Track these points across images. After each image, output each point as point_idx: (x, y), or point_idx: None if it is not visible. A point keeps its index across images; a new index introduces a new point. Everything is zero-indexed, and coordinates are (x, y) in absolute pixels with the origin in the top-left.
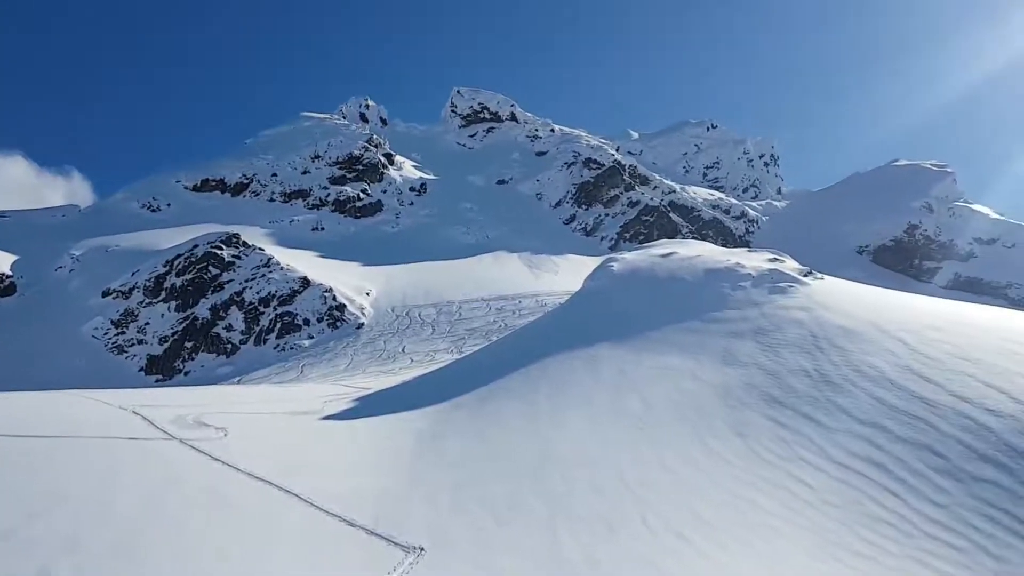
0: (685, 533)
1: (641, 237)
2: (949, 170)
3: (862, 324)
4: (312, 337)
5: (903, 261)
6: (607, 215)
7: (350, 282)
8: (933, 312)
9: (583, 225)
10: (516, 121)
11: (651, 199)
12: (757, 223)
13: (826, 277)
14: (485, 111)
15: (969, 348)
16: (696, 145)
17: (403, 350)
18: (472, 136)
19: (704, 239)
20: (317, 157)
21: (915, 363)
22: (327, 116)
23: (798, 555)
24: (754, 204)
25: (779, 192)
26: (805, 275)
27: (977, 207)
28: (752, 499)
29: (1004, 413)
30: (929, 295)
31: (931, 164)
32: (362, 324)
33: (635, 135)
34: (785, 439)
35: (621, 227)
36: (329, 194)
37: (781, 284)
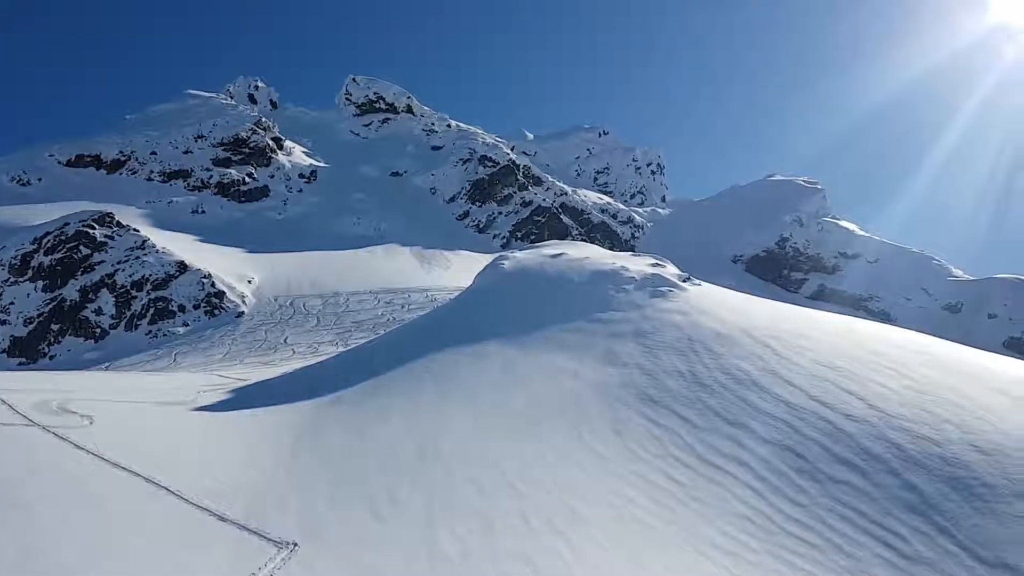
0: (562, 529)
1: (533, 237)
2: (820, 187)
3: (734, 330)
4: (187, 324)
5: (774, 271)
6: (500, 213)
7: (231, 268)
8: (798, 320)
9: (476, 222)
10: (412, 114)
11: (544, 200)
12: (642, 228)
13: (703, 283)
14: (381, 101)
15: (830, 355)
16: (588, 150)
17: (285, 341)
18: (367, 126)
19: (592, 241)
20: (201, 137)
21: (781, 368)
22: (213, 95)
23: (667, 550)
24: (640, 210)
25: (663, 200)
26: (684, 281)
27: (844, 223)
28: (627, 495)
29: (860, 418)
30: (796, 304)
31: (803, 180)
32: (242, 313)
33: (530, 136)
34: (659, 437)
35: (513, 226)
36: (212, 176)
37: (662, 288)
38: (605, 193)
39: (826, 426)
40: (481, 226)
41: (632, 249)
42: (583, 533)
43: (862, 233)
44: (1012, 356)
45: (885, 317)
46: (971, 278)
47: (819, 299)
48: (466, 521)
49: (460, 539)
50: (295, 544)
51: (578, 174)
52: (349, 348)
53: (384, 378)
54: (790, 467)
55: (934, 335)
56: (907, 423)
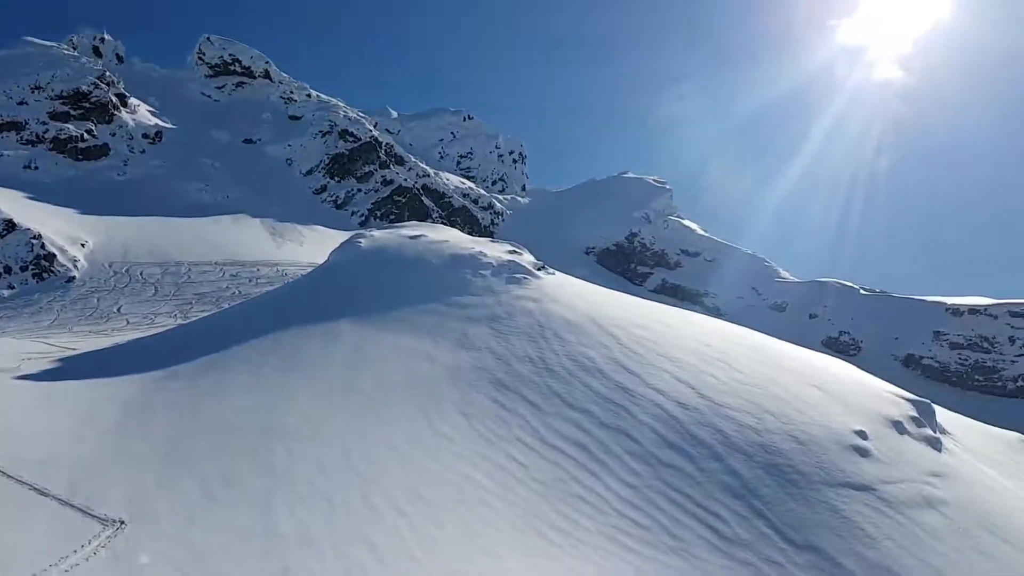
0: (404, 509)
1: (392, 216)
2: (668, 187)
3: (582, 318)
4: (13, 287)
5: (622, 264)
6: (360, 190)
7: (63, 230)
8: (641, 312)
9: (334, 198)
10: (270, 80)
11: (405, 180)
12: (502, 216)
13: (557, 273)
14: (237, 64)
15: (668, 346)
16: (452, 133)
17: (119, 310)
18: (220, 88)
19: (452, 225)
20: (38, 88)
21: (622, 356)
22: (54, 45)
23: (505, 529)
24: (500, 197)
25: (524, 189)
26: (539, 269)
27: (687, 222)
28: (470, 476)
29: (691, 406)
30: (640, 297)
31: (654, 179)
32: (73, 277)
33: (394, 114)
34: (505, 420)
35: (373, 204)
36: (48, 130)
37: (517, 275)
38: (467, 178)
39: (660, 412)
40: (339, 202)
41: (491, 235)
42: (424, 513)
43: (702, 232)
44: (829, 354)
45: (717, 313)
46: (797, 280)
47: (661, 292)
48: (307, 501)
49: (299, 521)
50: (122, 522)
51: (441, 157)
52: (189, 321)
53: (226, 353)
54: (625, 450)
55: (761, 332)
56: (732, 412)
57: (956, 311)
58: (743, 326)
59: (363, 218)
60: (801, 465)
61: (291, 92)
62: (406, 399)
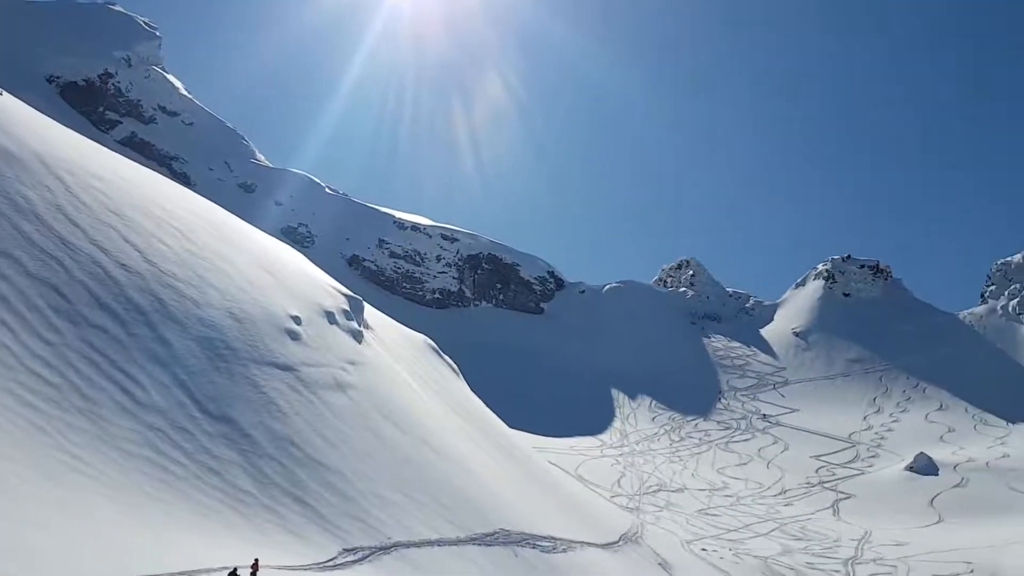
0: None
1: None
2: (158, 33)
3: (28, 154)
4: None
5: (89, 105)
6: None
7: None
8: (100, 162)
9: None
10: None
11: None
12: None
13: (5, 94)
14: None
15: (122, 203)
16: None
17: None
18: None
19: None
20: None
21: (68, 205)
22: None
23: None
24: None
25: None
26: None
27: (172, 78)
28: None
29: (134, 269)
30: (104, 146)
31: (144, 21)
32: None
33: None
34: None
35: None
36: None
37: None
38: None
39: (98, 271)
40: None
41: None
42: None
43: (185, 93)
44: (285, 242)
45: (185, 180)
46: (271, 166)
47: (128, 146)
48: None
49: None
50: None
51: None
52: None
53: None
54: (50, 305)
55: (226, 208)
56: (177, 282)
57: (401, 225)
58: (209, 199)
59: None
60: (234, 341)
61: None
62: None
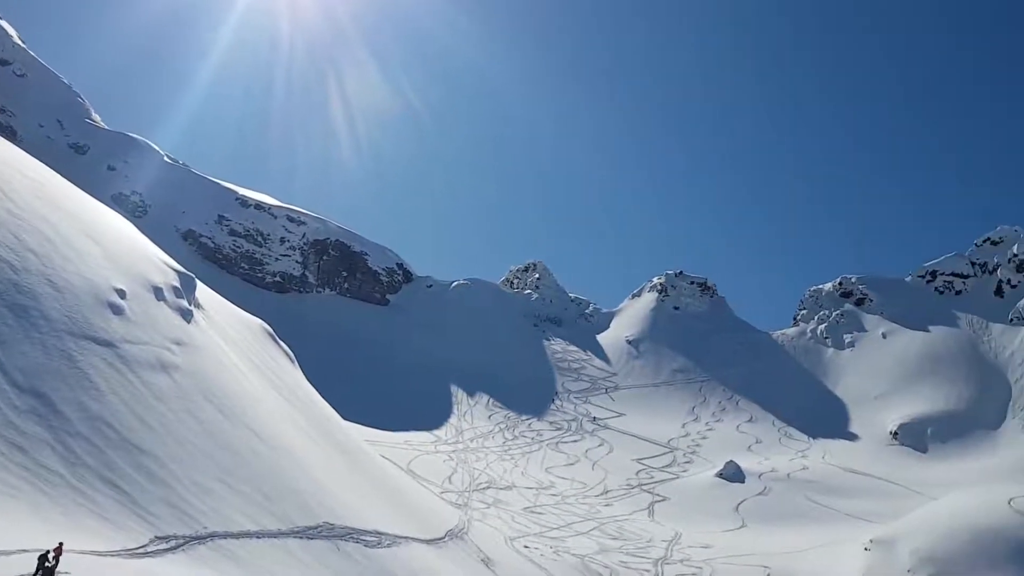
0: None
1: None
2: None
3: None
4: None
5: None
6: None
7: None
8: None
9: None
10: None
11: None
12: None
13: None
14: None
15: None
16: None
17: None
18: None
19: None
20: None
21: None
22: None
23: None
24: None
25: None
26: None
27: (4, 24)
28: None
29: None
30: None
31: None
32: None
33: None
34: None
35: None
36: None
37: None
38: None
39: None
40: None
41: None
42: None
43: (19, 43)
44: (115, 210)
45: (11, 134)
46: (108, 128)
47: None
48: None
49: None
50: None
51: None
52: None
53: None
54: None
55: (54, 170)
56: None
57: (244, 202)
58: (35, 157)
59: None
60: (51, 311)
61: None
62: None
